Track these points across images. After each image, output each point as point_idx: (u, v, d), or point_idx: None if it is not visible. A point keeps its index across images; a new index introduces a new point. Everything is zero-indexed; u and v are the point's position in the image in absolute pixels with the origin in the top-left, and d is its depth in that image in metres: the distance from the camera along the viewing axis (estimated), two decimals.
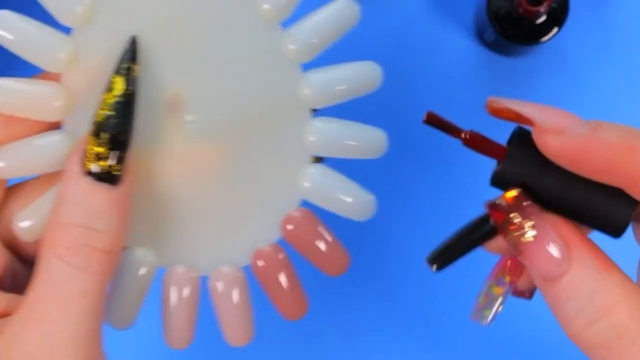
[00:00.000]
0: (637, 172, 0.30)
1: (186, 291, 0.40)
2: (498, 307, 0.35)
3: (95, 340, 0.36)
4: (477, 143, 0.34)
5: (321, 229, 0.40)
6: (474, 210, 0.34)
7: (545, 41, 0.60)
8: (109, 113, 0.35)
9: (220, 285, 0.40)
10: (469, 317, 0.36)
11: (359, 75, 0.38)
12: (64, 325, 0.35)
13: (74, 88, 0.37)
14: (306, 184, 0.39)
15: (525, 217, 0.32)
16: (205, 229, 0.40)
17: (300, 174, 0.39)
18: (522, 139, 0.33)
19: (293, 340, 0.62)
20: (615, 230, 0.33)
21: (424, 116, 0.34)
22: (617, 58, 0.64)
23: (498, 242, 0.34)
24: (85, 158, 0.35)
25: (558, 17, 0.59)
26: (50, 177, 0.38)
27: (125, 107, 0.35)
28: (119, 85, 0.35)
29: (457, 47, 0.64)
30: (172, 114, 0.38)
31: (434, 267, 0.33)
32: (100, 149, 0.35)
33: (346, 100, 0.38)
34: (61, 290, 0.35)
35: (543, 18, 0.59)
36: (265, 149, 0.39)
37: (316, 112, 0.39)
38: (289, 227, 0.40)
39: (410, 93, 0.63)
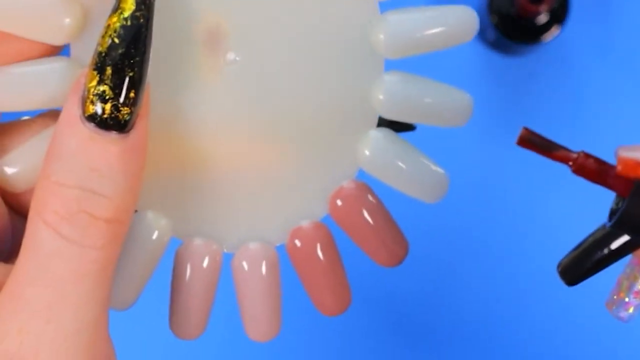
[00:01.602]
0: None
1: (205, 267, 0.32)
2: None
3: (97, 335, 0.28)
4: (592, 173, 0.26)
5: (376, 208, 0.33)
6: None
7: (547, 41, 0.61)
8: (114, 41, 0.27)
9: (245, 265, 0.33)
10: (606, 305, 0.29)
11: (449, 21, 0.31)
12: (53, 318, 0.27)
13: (90, 4, 0.29)
14: (366, 151, 0.32)
15: None
16: (236, 197, 0.32)
17: (361, 140, 0.32)
18: None
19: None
20: None
21: (518, 137, 0.27)
22: (619, 57, 0.65)
23: None
24: (85, 98, 0.27)
25: (559, 16, 0.60)
26: (53, 116, 0.31)
27: (135, 33, 0.27)
28: (129, 4, 0.27)
29: (457, 47, 0.61)
30: (210, 51, 0.30)
31: (566, 281, 0.26)
32: (104, 87, 0.27)
33: (429, 52, 0.31)
34: (50, 269, 0.27)
35: (544, 18, 0.61)
36: (321, 104, 0.31)
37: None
38: (338, 202, 0.32)
39: None
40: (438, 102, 0.32)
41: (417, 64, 0.60)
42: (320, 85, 0.31)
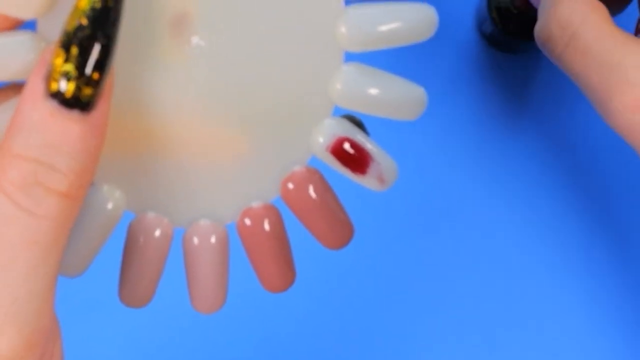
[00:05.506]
0: None
1: (156, 238, 0.33)
2: None
3: (44, 304, 0.29)
4: None
5: (324, 192, 0.34)
6: None
7: None
8: (82, 22, 0.27)
9: (195, 240, 0.34)
10: None
11: (409, 17, 0.32)
12: (1, 281, 0.28)
13: None
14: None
15: None
16: (190, 176, 0.33)
17: (315, 126, 0.33)
18: None
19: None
20: None
21: None
22: None
23: None
24: (50, 75, 0.27)
25: None
26: (14, 88, 0.31)
27: (104, 16, 0.27)
28: None
29: (457, 44, 0.63)
30: (175, 34, 0.31)
31: None
32: (69, 66, 0.27)
33: (390, 46, 0.32)
34: (5, 234, 0.28)
35: None
36: (279, 92, 0.32)
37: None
38: (289, 185, 0.34)
39: None
40: (393, 93, 0.33)
41: (416, 63, 0.60)
42: (280, 74, 0.32)
